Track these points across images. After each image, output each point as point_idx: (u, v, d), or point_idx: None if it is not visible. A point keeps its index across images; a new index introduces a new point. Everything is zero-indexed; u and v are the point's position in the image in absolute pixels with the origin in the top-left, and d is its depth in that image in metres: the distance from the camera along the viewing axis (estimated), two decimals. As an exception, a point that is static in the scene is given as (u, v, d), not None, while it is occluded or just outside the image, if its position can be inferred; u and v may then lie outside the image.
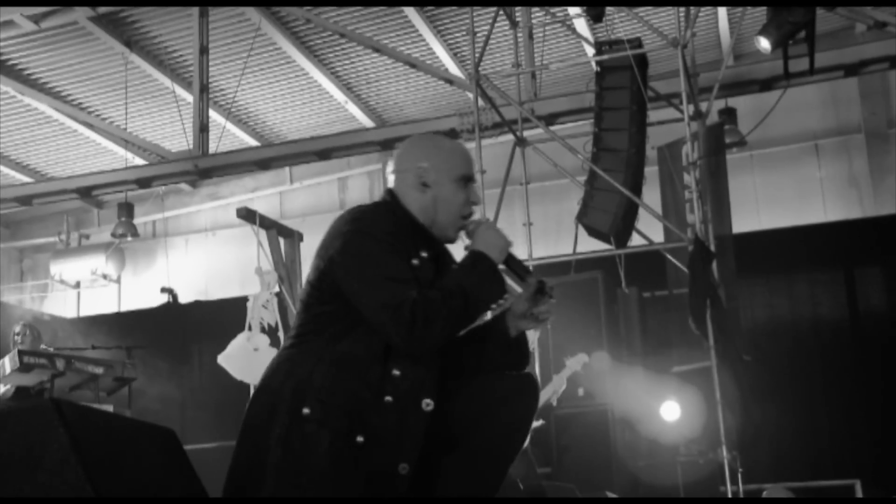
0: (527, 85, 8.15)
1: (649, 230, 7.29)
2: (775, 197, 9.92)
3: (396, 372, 2.22)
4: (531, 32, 8.34)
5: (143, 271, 12.14)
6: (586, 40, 8.43)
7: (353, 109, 10.14)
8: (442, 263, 2.39)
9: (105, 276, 11.61)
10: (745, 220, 8.75)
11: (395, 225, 2.30)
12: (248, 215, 8.30)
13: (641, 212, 6.85)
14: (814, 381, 8.45)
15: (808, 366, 8.53)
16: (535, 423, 5.96)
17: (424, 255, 2.32)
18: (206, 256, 11.94)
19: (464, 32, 7.67)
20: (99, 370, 6.04)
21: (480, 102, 7.10)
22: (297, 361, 2.26)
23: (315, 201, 11.28)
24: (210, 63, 8.67)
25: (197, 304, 10.85)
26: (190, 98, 8.96)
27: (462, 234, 2.39)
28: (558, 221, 9.09)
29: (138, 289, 11.87)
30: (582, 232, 7.02)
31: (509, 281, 2.39)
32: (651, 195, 7.23)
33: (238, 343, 7.36)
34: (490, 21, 7.23)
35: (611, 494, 4.50)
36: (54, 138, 10.44)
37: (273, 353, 2.45)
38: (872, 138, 9.85)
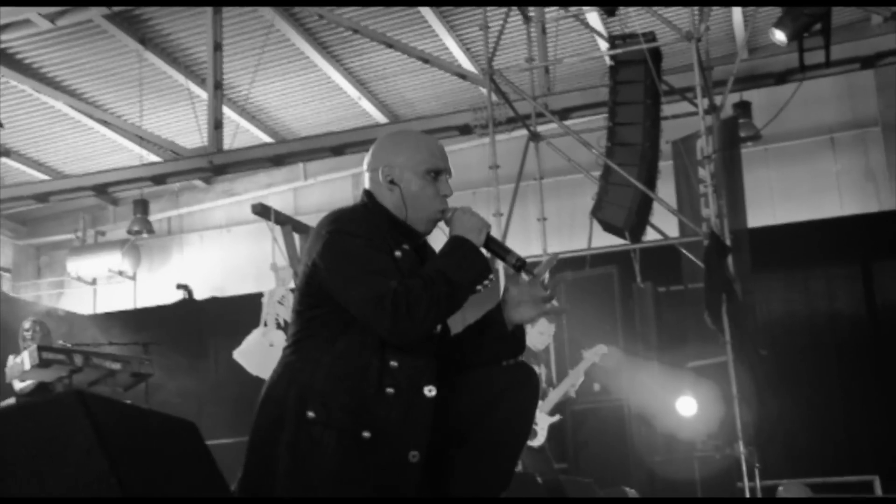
0: (540, 80, 8.13)
1: (664, 225, 7.27)
2: (791, 191, 9.87)
3: (394, 363, 2.24)
4: (544, 27, 8.33)
5: (158, 268, 12.19)
6: (600, 34, 8.40)
7: (367, 105, 10.15)
8: (424, 255, 2.41)
9: (121, 273, 11.67)
10: (760, 215, 8.71)
11: (373, 223, 2.34)
12: (263, 211, 8.32)
13: (656, 206, 6.83)
14: (831, 377, 8.40)
15: (824, 361, 8.48)
16: (552, 419, 5.95)
17: (406, 247, 2.35)
18: (220, 253, 11.98)
19: (477, 28, 7.65)
20: (116, 366, 6.04)
21: (494, 97, 7.08)
22: (297, 368, 2.28)
23: (329, 198, 11.30)
24: (224, 60, 8.69)
25: (213, 301, 10.89)
26: (204, 95, 8.99)
27: (441, 224, 2.40)
28: (572, 216, 9.08)
29: (154, 285, 11.93)
30: (596, 227, 7.01)
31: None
32: (666, 189, 7.21)
33: (253, 339, 7.38)
34: (503, 16, 7.22)
35: (628, 490, 4.48)
36: (70, 135, 10.50)
37: (288, 348, 2.45)
38: (889, 131, 9.77)
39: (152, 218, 11.31)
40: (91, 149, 10.83)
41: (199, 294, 10.98)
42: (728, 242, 6.50)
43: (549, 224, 7.35)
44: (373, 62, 9.54)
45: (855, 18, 9.21)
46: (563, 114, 7.87)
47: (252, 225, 10.59)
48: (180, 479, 1.51)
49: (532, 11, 7.93)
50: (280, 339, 7.31)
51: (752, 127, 9.36)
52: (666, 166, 7.27)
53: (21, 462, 1.30)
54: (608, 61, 7.20)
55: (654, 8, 7.50)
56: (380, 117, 10.29)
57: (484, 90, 7.29)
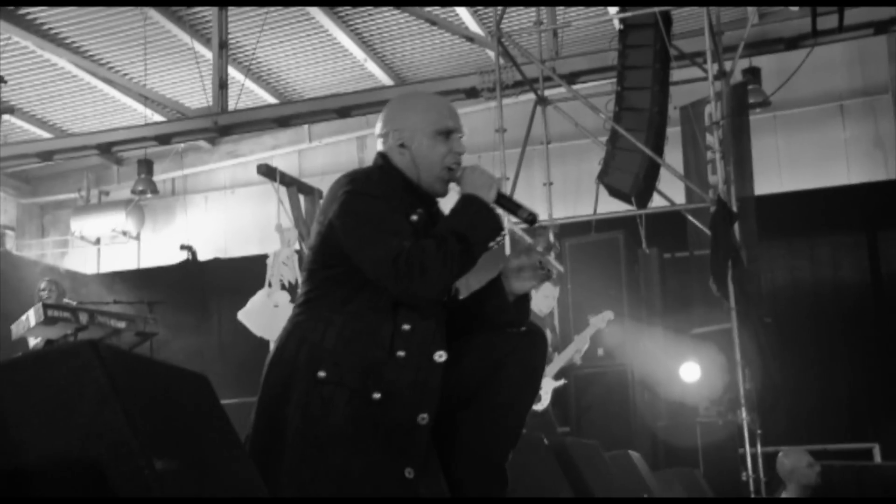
0: (548, 43, 8.06)
1: (671, 191, 7.24)
2: (798, 158, 9.81)
3: (406, 326, 2.24)
4: (554, -11, 8.23)
5: (162, 228, 12.19)
6: (609, -3, 8.31)
7: (373, 67, 10.07)
8: (437, 222, 2.40)
9: (125, 233, 11.67)
10: (767, 182, 8.68)
11: (389, 184, 2.34)
12: (268, 172, 8.29)
13: (663, 172, 6.79)
14: (834, 344, 8.42)
15: (828, 329, 8.50)
16: (557, 384, 5.97)
17: (421, 210, 2.35)
18: (225, 214, 11.97)
19: (485, -11, 7.57)
20: (121, 324, 6.08)
21: (501, 61, 7.02)
22: (307, 327, 2.28)
23: (334, 160, 11.25)
24: (229, 19, 8.61)
25: (216, 262, 10.90)
26: (209, 55, 8.91)
27: (452, 185, 2.39)
28: (578, 182, 9.04)
29: (157, 246, 11.93)
30: (602, 192, 6.98)
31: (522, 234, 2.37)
32: (673, 155, 7.17)
33: (258, 299, 7.39)
34: (513, -23, 7.13)
35: (633, 453, 4.51)
36: (74, 94, 10.44)
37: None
38: (900, 99, 9.69)
39: (156, 178, 11.27)
40: (95, 108, 10.77)
41: (203, 255, 10.99)
42: (735, 209, 6.48)
43: (555, 189, 7.32)
44: (380, 23, 9.45)
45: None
46: (571, 78, 7.81)
47: (256, 187, 10.56)
48: (194, 431, 1.51)
49: (541, -27, 7.84)
50: (285, 301, 7.32)
51: (761, 93, 9.29)
52: (674, 132, 7.22)
53: (34, 412, 1.30)
54: (617, 25, 7.12)
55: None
56: (386, 79, 10.22)
57: (491, 53, 7.24)
